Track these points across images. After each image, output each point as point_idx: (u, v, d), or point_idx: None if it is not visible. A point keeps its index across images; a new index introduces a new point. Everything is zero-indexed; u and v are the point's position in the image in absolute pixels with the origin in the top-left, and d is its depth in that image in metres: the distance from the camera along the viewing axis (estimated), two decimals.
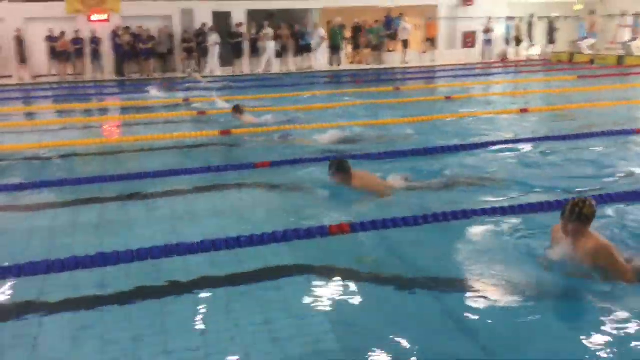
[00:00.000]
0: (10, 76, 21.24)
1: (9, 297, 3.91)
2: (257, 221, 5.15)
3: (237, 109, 10.09)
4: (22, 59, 20.67)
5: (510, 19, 24.89)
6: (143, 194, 6.12)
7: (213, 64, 21.96)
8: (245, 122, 9.94)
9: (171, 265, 4.23)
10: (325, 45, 23.56)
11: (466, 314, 3.49)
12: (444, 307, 3.62)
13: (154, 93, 15.58)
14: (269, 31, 22.11)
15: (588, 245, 3.72)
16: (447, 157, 7.38)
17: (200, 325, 3.45)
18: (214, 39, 21.69)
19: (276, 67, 22.89)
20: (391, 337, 3.26)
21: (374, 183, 5.79)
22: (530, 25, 25.36)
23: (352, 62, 24.96)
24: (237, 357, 3.11)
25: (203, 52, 22.07)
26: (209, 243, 4.49)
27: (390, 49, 25.19)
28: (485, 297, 3.66)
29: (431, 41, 24.66)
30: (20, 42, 20.54)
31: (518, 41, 25.34)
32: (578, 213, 3.68)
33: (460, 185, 6.14)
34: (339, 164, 5.68)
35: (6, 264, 4.20)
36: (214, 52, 21.77)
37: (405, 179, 6.05)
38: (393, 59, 24.85)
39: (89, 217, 5.44)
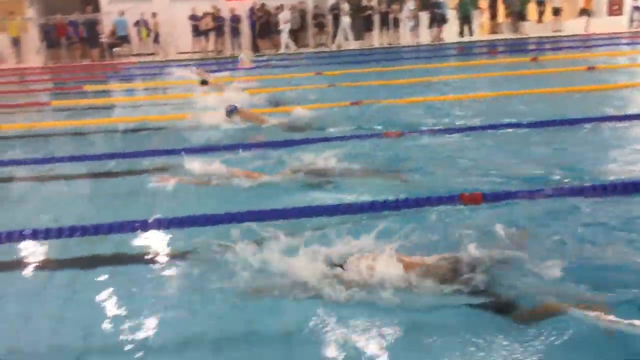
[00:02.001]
0: (159, 53, 23.02)
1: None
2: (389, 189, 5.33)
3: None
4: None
5: None
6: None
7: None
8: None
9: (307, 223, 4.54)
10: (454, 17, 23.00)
11: None
12: None
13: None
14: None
15: None
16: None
17: None
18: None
19: (406, 39, 22.76)
20: None
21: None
22: None
23: (492, 33, 24.14)
24: None
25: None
26: (323, 208, 4.73)
27: (529, 19, 24.01)
28: None
29: (586, 12, 23.05)
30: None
31: None
32: None
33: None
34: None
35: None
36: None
37: None
38: (530, 28, 23.69)
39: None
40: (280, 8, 22.26)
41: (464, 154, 6.30)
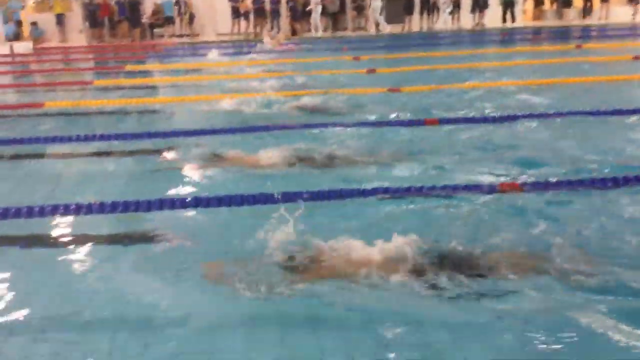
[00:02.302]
0: (198, 35, 23.22)
1: None
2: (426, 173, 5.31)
3: None
4: None
5: None
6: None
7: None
8: None
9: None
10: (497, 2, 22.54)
11: None
12: None
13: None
14: None
15: None
16: None
17: None
18: None
19: (446, 24, 22.43)
20: None
21: None
22: None
23: (535, 19, 23.63)
24: None
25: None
26: (358, 191, 4.72)
27: (575, 6, 23.36)
28: None
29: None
30: None
31: None
32: None
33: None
34: None
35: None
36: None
37: None
38: (575, 16, 23.07)
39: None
40: None
41: (504, 142, 6.22)
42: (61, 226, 4.56)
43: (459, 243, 3.66)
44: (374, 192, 4.73)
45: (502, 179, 4.91)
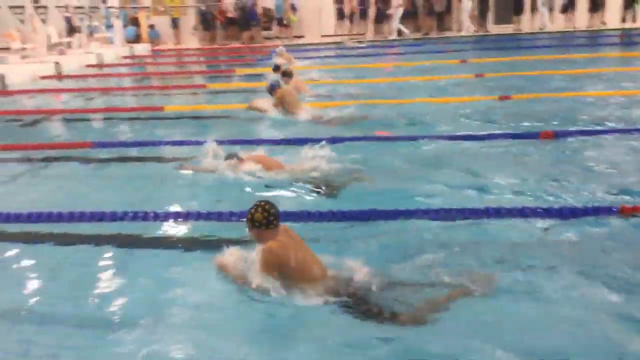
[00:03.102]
0: (302, 36, 23.70)
1: None
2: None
3: (285, 73, 9.87)
4: None
5: None
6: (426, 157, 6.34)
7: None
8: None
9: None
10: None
11: None
12: None
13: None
14: None
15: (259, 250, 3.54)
16: None
17: None
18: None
19: (560, 24, 21.43)
20: None
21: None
22: None
23: None
24: None
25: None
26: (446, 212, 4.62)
27: None
28: None
29: None
30: None
31: None
32: (250, 219, 3.57)
33: None
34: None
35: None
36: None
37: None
38: None
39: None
40: None
41: (625, 158, 5.89)
42: (186, 231, 4.80)
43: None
44: (483, 211, 4.62)
45: (625, 200, 4.66)
